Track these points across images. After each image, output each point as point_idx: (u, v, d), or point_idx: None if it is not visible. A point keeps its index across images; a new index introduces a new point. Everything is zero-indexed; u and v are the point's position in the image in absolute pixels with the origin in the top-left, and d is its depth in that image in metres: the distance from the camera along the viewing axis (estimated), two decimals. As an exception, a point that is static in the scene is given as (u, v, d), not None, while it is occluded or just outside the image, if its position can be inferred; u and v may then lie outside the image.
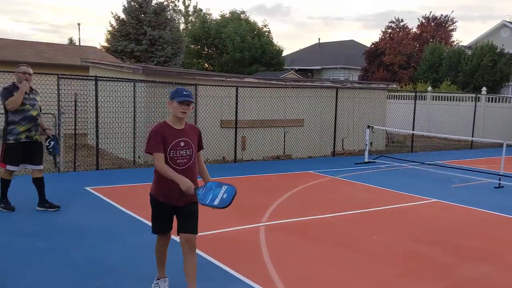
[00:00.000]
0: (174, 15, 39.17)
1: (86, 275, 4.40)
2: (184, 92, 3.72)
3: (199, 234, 5.77)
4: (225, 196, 3.47)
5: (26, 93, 6.25)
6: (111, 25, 28.79)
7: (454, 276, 4.70)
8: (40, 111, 6.56)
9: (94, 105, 10.14)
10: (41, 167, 6.58)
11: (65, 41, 57.37)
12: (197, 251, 5.10)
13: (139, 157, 10.90)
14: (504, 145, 10.24)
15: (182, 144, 3.71)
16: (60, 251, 5.03)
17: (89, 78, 10.65)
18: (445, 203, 7.95)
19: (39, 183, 6.54)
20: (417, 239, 5.88)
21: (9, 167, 6.34)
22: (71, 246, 5.21)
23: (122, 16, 28.52)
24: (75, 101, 9.72)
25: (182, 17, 47.73)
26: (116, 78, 10.77)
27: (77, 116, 9.88)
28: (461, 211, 7.48)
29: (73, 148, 10.00)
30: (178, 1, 47.84)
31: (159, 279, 4.11)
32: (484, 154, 15.38)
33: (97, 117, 10.12)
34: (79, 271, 4.49)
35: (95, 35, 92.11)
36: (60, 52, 20.86)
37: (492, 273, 4.82)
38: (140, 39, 27.65)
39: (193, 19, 47.09)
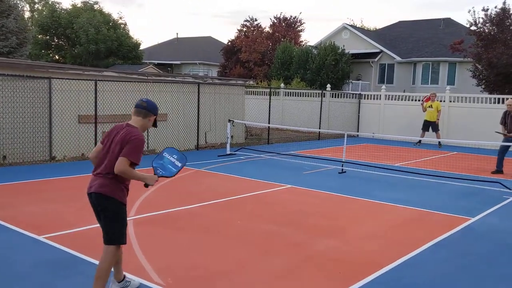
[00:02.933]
0: (18, 2, 35.62)
1: None
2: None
3: (64, 232, 5.67)
4: (178, 164, 4.00)
5: None
6: None
7: (306, 250, 5.38)
8: None
9: None
10: None
11: None
12: (62, 247, 5.05)
13: (4, 157, 9.97)
14: (345, 136, 11.67)
15: None
16: None
17: None
18: (298, 188, 8.85)
19: None
20: (273, 221, 6.52)
21: None
22: None
23: (-46, -1, 25.13)
24: None
25: (27, 5, 43.66)
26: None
27: None
28: (310, 195, 8.42)
29: None
30: (22, -14, 43.51)
31: (122, 280, 4.04)
32: (330, 144, 17.19)
33: None
34: None
35: None
36: None
37: (337, 245, 5.63)
38: (-23, 26, 24.71)
39: (40, 7, 43.40)
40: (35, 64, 12.50)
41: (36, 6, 44.49)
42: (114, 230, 3.78)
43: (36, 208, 6.68)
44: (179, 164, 3.99)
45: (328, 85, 23.04)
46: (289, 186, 9.04)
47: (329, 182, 9.69)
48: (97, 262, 3.98)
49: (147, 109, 3.87)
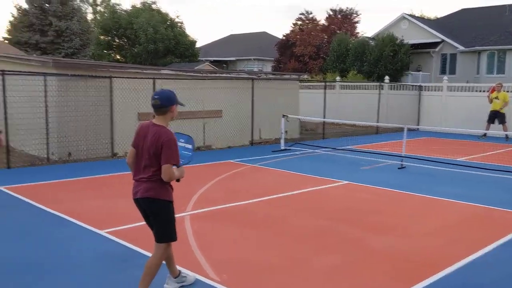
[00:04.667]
0: (81, 5, 37.36)
1: (8, 271, 4.32)
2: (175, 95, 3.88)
3: (124, 227, 5.85)
4: (188, 146, 3.94)
5: None
6: (13, 16, 26.92)
7: (363, 248, 5.24)
8: None
9: (1, 100, 9.60)
10: None
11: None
12: (123, 242, 5.21)
13: (53, 153, 10.51)
14: (405, 129, 11.26)
15: None
16: (-22, 253, 4.86)
17: (10, 73, 10.02)
18: (354, 184, 8.65)
19: None
20: (329, 217, 6.40)
21: None
22: (-11, 247, 5.04)
23: (25, 6, 26.76)
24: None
25: (90, 7, 45.66)
26: (25, 72, 10.25)
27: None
28: (368, 191, 8.20)
29: (-21, 147, 9.42)
30: (85, -11, 45.57)
31: (178, 276, 4.13)
32: (388, 138, 16.69)
33: (5, 113, 9.60)
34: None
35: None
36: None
37: (396, 243, 5.43)
38: (45, 30, 26.17)
39: (102, 9, 45.25)
40: (96, 64, 13.02)
41: (98, 8, 46.45)
42: (164, 229, 3.83)
43: (99, 203, 6.96)
44: (190, 146, 3.97)
45: (386, 77, 22.37)
46: (346, 182, 8.85)
47: (387, 178, 9.40)
48: (154, 256, 4.06)
49: (162, 105, 3.76)
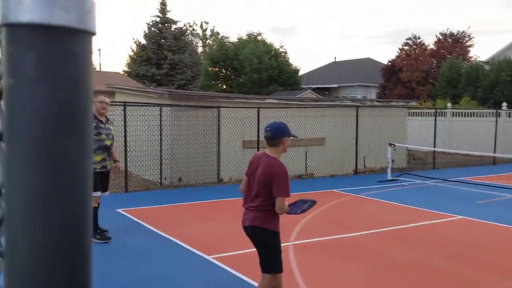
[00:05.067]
0: (192, 38, 39.99)
1: (126, 294, 4.61)
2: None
3: (230, 253, 5.97)
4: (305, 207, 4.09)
5: (102, 122, 6.45)
6: (132, 50, 29.59)
7: (484, 291, 4.77)
8: (113, 140, 6.71)
9: (122, 129, 10.49)
10: (107, 193, 6.75)
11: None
12: (228, 268, 5.30)
13: (165, 178, 11.18)
14: (528, 161, 10.23)
15: None
16: (97, 271, 5.26)
17: (117, 103, 11.05)
18: (470, 220, 7.99)
19: (96, 209, 6.60)
20: (441, 255, 5.95)
21: (92, 194, 6.40)
22: (107, 266, 5.44)
23: (143, 41, 29.30)
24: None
25: (200, 41, 48.67)
26: (144, 103, 11.15)
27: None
28: (486, 228, 7.51)
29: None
30: (196, 25, 48.77)
31: None
32: (507, 169, 15.28)
33: (125, 140, 10.46)
34: (119, 290, 4.71)
35: (115, 60, 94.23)
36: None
37: (522, 289, 4.87)
38: (160, 63, 28.33)
39: (211, 42, 47.97)
40: (206, 94, 13.74)
41: (208, 41, 49.32)
42: (270, 260, 3.84)
43: (206, 228, 7.21)
44: (306, 207, 4.12)
45: (504, 103, 20.65)
46: (460, 217, 8.21)
47: (507, 213, 8.55)
48: (259, 287, 4.07)
49: (274, 137, 3.83)
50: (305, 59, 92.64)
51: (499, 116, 18.51)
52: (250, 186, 3.88)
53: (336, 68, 47.38)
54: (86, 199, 0.54)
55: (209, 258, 5.71)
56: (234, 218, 7.90)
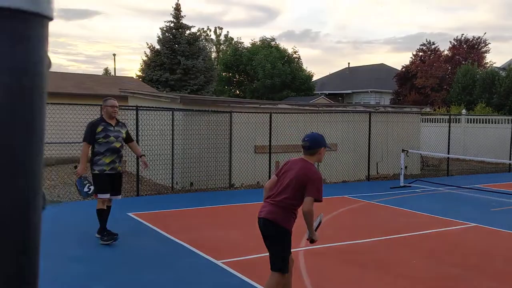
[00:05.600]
0: (206, 44, 40.21)
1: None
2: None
3: (239, 258, 5.94)
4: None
5: (111, 125, 6.55)
6: (146, 55, 29.84)
7: (497, 301, 4.67)
8: (131, 140, 6.93)
9: (135, 133, 10.55)
10: (120, 196, 6.83)
11: (100, 71, 59.46)
12: (237, 273, 5.28)
13: (177, 183, 11.21)
14: (544, 168, 10.04)
15: None
16: (107, 275, 5.27)
17: (129, 107, 11.13)
18: (485, 228, 7.85)
19: (108, 211, 6.66)
20: (455, 263, 5.85)
21: (100, 196, 6.47)
22: (117, 270, 5.45)
23: (157, 46, 29.54)
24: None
25: (214, 46, 48.90)
26: (156, 107, 11.21)
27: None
28: (501, 236, 7.38)
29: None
30: (210, 30, 49.04)
31: None
32: (524, 177, 15.02)
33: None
34: (128, 293, 4.71)
35: (129, 65, 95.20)
36: (98, 82, 21.74)
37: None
38: (174, 68, 28.52)
39: (224, 48, 48.17)
40: (219, 99, 13.78)
41: (221, 47, 49.55)
42: (277, 257, 3.89)
43: (216, 233, 7.20)
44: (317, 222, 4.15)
45: (520, 110, 20.35)
46: (474, 224, 8.08)
47: (524, 222, 8.39)
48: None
49: (312, 148, 4.02)
50: (318, 65, 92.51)
51: (515, 123, 18.20)
52: (279, 182, 4.00)
53: (350, 74, 47.23)
54: (32, 197, 0.49)
55: (218, 262, 5.69)
56: (244, 223, 7.90)
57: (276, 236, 3.89)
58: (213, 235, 7.09)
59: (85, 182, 6.50)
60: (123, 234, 6.95)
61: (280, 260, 3.88)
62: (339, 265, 5.72)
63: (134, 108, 10.73)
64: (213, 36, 48.99)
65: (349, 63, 50.89)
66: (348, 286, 5.03)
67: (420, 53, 35.89)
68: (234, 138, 11.76)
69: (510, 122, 18.11)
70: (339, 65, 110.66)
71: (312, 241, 4.04)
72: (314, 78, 42.39)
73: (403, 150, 12.82)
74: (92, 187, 6.53)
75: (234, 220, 8.17)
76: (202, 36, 39.40)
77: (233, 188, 11.73)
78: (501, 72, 27.53)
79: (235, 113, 11.70)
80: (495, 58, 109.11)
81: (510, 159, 16.53)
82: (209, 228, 7.51)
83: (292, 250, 4.08)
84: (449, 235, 7.45)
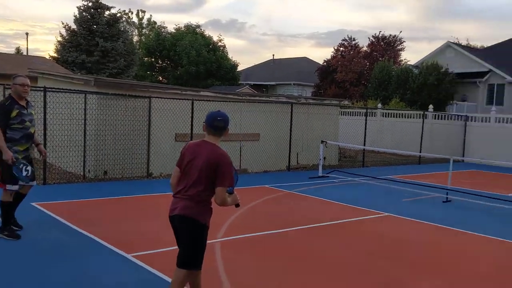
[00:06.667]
0: (128, 27, 38.57)
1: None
2: None
3: (152, 251, 5.61)
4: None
5: (24, 107, 5.75)
6: (62, 36, 27.97)
7: (408, 289, 4.77)
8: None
9: (42, 117, 9.71)
10: (35, 183, 6.12)
11: (12, 51, 55.17)
12: (148, 267, 4.96)
13: (89, 171, 10.53)
14: (451, 161, 10.66)
15: None
16: (4, 271, 4.72)
17: (37, 88, 10.21)
18: (397, 217, 8.14)
19: (20, 198, 6.03)
20: (370, 253, 5.95)
21: (9, 187, 5.72)
22: (17, 265, 4.90)
23: (74, 26, 27.79)
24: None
25: (136, 29, 47.11)
26: (66, 89, 10.39)
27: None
28: (412, 225, 7.68)
29: (18, 161, 9.51)
30: (132, 13, 47.15)
31: None
32: (432, 169, 15.97)
33: (45, 129, 9.71)
34: (23, 293, 4.23)
35: (44, 46, 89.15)
36: (6, 61, 20.01)
37: (443, 286, 4.94)
38: (91, 50, 27.01)
39: (147, 32, 46.59)
40: (137, 83, 13.15)
41: (144, 30, 47.82)
42: (192, 254, 3.61)
43: (129, 225, 6.78)
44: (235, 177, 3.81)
45: (430, 106, 21.66)
46: (386, 214, 8.36)
47: (432, 211, 8.83)
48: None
49: (224, 127, 3.68)
50: (243, 56, 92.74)
51: (426, 118, 19.34)
52: (187, 174, 3.61)
53: (274, 66, 47.73)
54: None
55: (129, 256, 5.32)
56: (160, 214, 7.52)
57: (194, 233, 3.58)
58: (126, 227, 6.67)
59: (20, 166, 5.67)
60: (26, 227, 6.31)
61: (197, 257, 3.63)
62: (257, 257, 5.59)
63: (42, 89, 9.86)
64: (135, 19, 47.18)
65: (273, 55, 51.48)
66: (265, 277, 4.90)
67: (341, 49, 37.05)
68: (153, 125, 11.27)
69: (421, 117, 19.18)
70: (264, 56, 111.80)
71: (237, 205, 3.81)
72: (239, 68, 42.36)
73: (322, 141, 13.06)
74: (29, 168, 5.76)
75: (150, 211, 7.78)
76: (124, 18, 37.67)
77: (151, 177, 11.26)
78: (414, 69, 29.15)
79: (154, 98, 11.20)
80: (410, 56, 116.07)
81: (420, 152, 17.51)
82: (121, 220, 7.07)
83: (207, 242, 3.83)
84: (364, 224, 7.63)
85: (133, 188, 9.74)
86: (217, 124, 3.63)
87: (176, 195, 3.67)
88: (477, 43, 47.70)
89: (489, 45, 37.58)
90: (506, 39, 35.11)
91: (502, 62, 30.39)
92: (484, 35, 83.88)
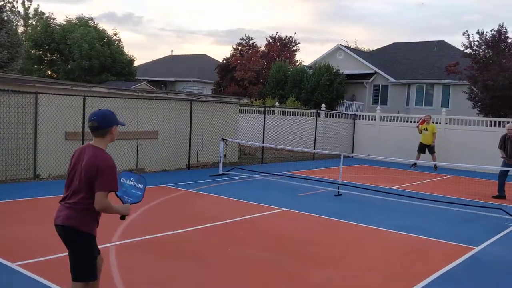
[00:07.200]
0: (12, 17, 35.38)
1: None
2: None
3: (36, 259, 5.21)
4: (140, 186, 3.62)
5: None
6: None
7: (301, 282, 4.97)
8: None
9: None
10: None
11: None
12: (35, 276, 4.61)
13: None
14: (342, 157, 11.32)
15: None
16: None
17: None
18: (292, 212, 8.46)
19: None
20: (267, 248, 6.11)
21: None
22: None
23: None
24: None
25: (21, 20, 43.44)
26: None
27: None
28: (305, 219, 8.02)
29: None
30: (17, 2, 43.37)
31: None
32: (325, 164, 16.84)
33: None
34: None
35: None
36: None
37: (334, 277, 5.23)
38: (-32, 39, 24.37)
39: (34, 22, 43.21)
40: (21, 78, 12.14)
41: (31, 21, 44.25)
42: (81, 266, 3.41)
43: (12, 231, 6.23)
44: (141, 186, 3.64)
45: (323, 105, 22.82)
46: (283, 209, 8.64)
47: (324, 205, 9.31)
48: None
49: (100, 127, 3.44)
50: (140, 51, 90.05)
51: (319, 116, 20.34)
52: (71, 181, 3.40)
53: (173, 62, 46.99)
54: None
55: (13, 265, 4.89)
56: (47, 219, 6.99)
57: (79, 244, 3.37)
58: (9, 234, 6.12)
59: None
60: None
61: (88, 268, 3.42)
62: (155, 260, 5.45)
63: None
64: (20, 9, 43.44)
65: (172, 51, 50.62)
66: (163, 281, 4.80)
67: (240, 47, 37.57)
68: (40, 122, 10.47)
69: (315, 115, 20.12)
70: (163, 52, 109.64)
71: (123, 217, 3.55)
72: (136, 63, 41.02)
73: (222, 139, 13.13)
74: None
75: (36, 215, 7.23)
76: (8, 7, 34.48)
77: (38, 179, 10.46)
78: (308, 70, 30.50)
79: (41, 94, 10.41)
80: (304, 57, 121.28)
81: (314, 149, 18.38)
82: (3, 226, 6.47)
83: (100, 247, 3.65)
84: (262, 220, 7.81)
85: (17, 191, 8.97)
86: (90, 125, 3.42)
87: (60, 202, 3.46)
88: (365, 46, 51.33)
89: (375, 48, 40.63)
90: (390, 43, 38.22)
91: (386, 64, 33.04)
92: (371, 39, 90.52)
